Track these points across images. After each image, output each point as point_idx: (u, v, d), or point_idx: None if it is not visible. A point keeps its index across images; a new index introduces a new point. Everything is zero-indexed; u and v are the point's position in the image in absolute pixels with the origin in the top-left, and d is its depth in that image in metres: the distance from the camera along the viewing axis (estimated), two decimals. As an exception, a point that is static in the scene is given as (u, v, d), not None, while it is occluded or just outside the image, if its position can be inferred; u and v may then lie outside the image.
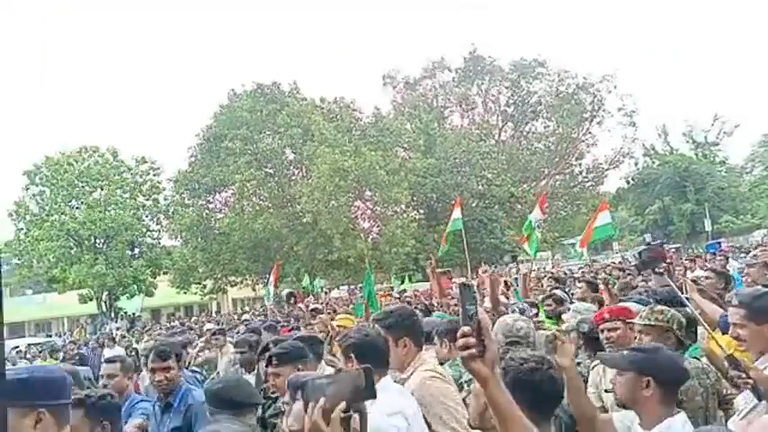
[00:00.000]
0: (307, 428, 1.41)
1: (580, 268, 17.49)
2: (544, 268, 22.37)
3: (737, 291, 4.61)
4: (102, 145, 32.68)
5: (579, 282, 7.33)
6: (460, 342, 1.39)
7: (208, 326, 13.13)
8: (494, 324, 3.14)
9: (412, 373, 2.76)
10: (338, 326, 6.17)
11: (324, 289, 33.73)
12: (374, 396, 1.48)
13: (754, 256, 6.52)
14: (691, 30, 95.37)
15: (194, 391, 3.47)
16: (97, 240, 31.97)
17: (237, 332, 8.66)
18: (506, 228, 30.40)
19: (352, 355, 2.52)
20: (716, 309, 3.65)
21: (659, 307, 3.23)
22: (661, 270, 4.09)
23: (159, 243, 33.43)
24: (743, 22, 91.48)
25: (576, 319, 4.14)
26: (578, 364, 3.64)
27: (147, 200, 32.79)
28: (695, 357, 3.34)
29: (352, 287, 30.98)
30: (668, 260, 4.64)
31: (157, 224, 33.24)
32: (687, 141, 46.10)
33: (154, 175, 32.88)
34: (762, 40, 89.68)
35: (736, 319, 2.58)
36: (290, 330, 7.50)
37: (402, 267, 29.65)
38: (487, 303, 5.02)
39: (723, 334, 3.26)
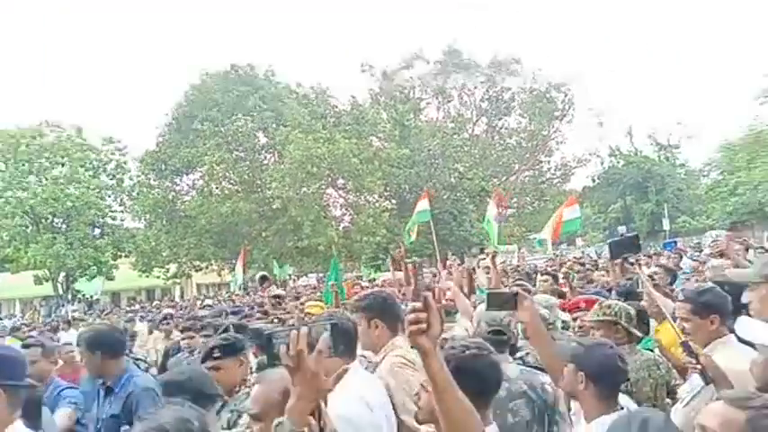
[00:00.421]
0: (292, 353, 1.46)
1: (545, 262, 17.92)
2: (510, 261, 22.74)
3: (684, 287, 4.87)
4: (66, 121, 31.56)
5: (542, 275, 7.60)
6: (411, 317, 1.46)
7: (165, 311, 12.85)
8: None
9: (384, 357, 2.77)
10: (307, 313, 6.13)
11: (292, 276, 33.55)
12: (337, 354, 1.58)
13: (711, 254, 6.82)
14: (660, 37, 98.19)
15: (137, 377, 3.27)
16: (56, 219, 30.85)
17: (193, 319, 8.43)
18: (476, 221, 30.77)
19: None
20: (668, 302, 3.79)
21: (608, 302, 3.32)
22: (632, 261, 4.20)
23: (122, 224, 32.49)
24: (707, 36, 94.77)
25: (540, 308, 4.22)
26: (527, 354, 3.78)
27: (112, 179, 31.79)
28: (648, 349, 3.49)
29: (321, 275, 30.86)
30: (638, 252, 4.81)
31: (121, 205, 32.29)
32: (651, 144, 47.69)
33: (120, 155, 31.90)
34: (722, 52, 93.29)
35: (682, 314, 2.73)
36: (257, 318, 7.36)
37: (372, 256, 29.65)
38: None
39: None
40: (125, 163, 31.99)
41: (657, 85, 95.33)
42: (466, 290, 6.11)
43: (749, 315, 2.54)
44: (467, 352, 1.97)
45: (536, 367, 3.14)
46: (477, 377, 1.88)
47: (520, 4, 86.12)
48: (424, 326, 1.45)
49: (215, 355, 3.01)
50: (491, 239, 10.13)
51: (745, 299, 2.54)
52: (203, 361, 3.07)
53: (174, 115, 28.87)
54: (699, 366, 2.32)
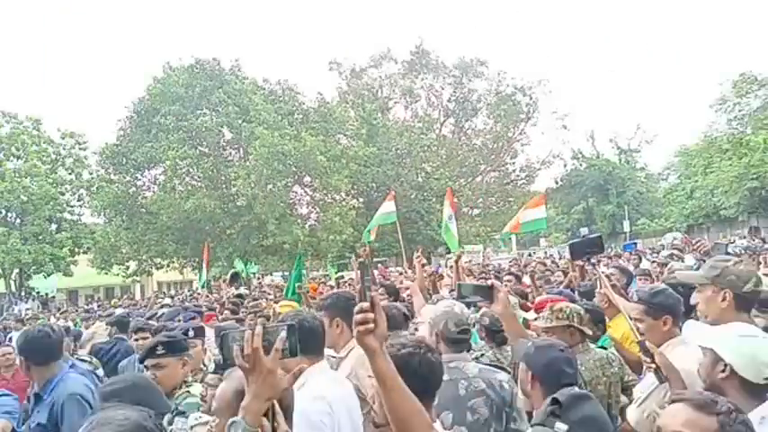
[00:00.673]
0: (247, 353, 1.46)
1: (509, 262, 18.20)
2: (477, 261, 23.02)
3: (638, 288, 5.01)
4: (23, 113, 30.43)
5: (507, 275, 7.73)
6: (359, 317, 1.49)
7: (119, 311, 12.46)
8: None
9: (348, 353, 2.81)
10: (279, 313, 6.08)
11: (257, 275, 33.09)
12: (295, 354, 1.54)
13: (670, 255, 7.03)
14: (621, 44, 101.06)
15: (65, 382, 3.06)
16: (9, 214, 29.71)
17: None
18: (443, 220, 30.98)
19: None
20: (626, 302, 3.87)
21: (558, 305, 3.37)
22: (594, 261, 4.28)
23: (80, 220, 31.48)
24: (667, 44, 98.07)
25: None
26: (482, 355, 3.87)
27: (70, 173, 30.78)
28: (602, 347, 3.57)
29: (287, 273, 30.54)
30: (601, 253, 4.92)
31: (79, 200, 31.29)
32: (612, 147, 49.04)
33: (80, 149, 30.91)
34: (680, 61, 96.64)
35: (636, 314, 2.79)
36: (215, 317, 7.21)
37: (339, 255, 29.52)
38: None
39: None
40: (85, 158, 31.02)
41: (619, 90, 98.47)
42: (430, 291, 6.19)
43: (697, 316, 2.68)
44: (403, 350, 1.99)
45: (494, 365, 3.23)
46: (416, 375, 1.89)
47: (486, 8, 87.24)
48: (371, 326, 1.47)
49: (158, 351, 2.92)
50: (451, 245, 10.03)
51: (693, 300, 2.61)
52: (145, 357, 2.97)
53: (136, 109, 28.06)
54: (654, 365, 2.35)
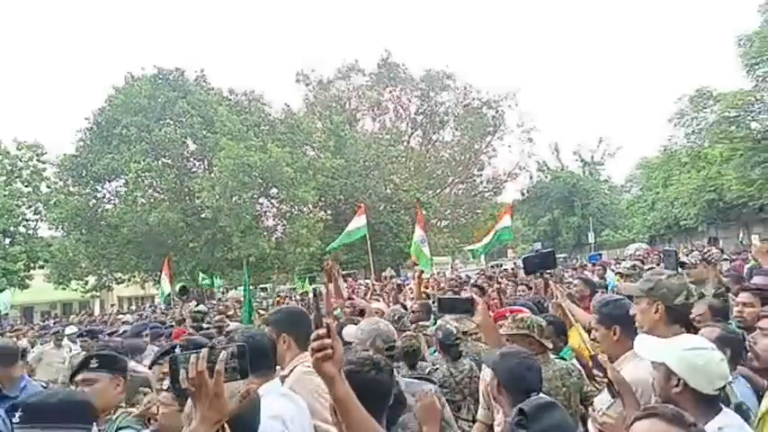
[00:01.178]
0: (191, 376, 1.45)
1: (476, 273, 18.26)
2: (444, 273, 23.01)
3: (595, 297, 5.05)
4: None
5: (472, 287, 7.79)
6: (315, 344, 1.50)
7: (69, 329, 11.89)
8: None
9: (291, 370, 2.78)
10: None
11: (221, 289, 32.35)
12: (245, 375, 1.54)
13: (633, 266, 7.11)
14: (585, 57, 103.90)
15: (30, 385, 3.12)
16: (-41, 227, 28.47)
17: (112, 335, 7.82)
18: (411, 232, 30.95)
19: None
20: (584, 312, 3.93)
21: (520, 315, 3.43)
22: (547, 276, 4.38)
23: (36, 233, 30.35)
24: (629, 57, 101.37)
25: (446, 324, 4.28)
26: (436, 369, 3.96)
27: (27, 186, 29.70)
28: (562, 358, 3.62)
29: (253, 287, 29.98)
30: (554, 268, 5.01)
31: (36, 213, 30.19)
32: (576, 159, 50.10)
33: (37, 160, 29.87)
34: (640, 76, 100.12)
35: (592, 323, 2.86)
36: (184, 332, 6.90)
37: (306, 268, 29.16)
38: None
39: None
40: (43, 170, 29.99)
41: (582, 103, 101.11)
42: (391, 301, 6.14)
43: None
44: (365, 367, 2.00)
45: (421, 377, 3.41)
46: (373, 391, 1.90)
47: (452, 20, 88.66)
48: (329, 352, 1.49)
49: (91, 365, 2.69)
50: (425, 266, 10.03)
51: (632, 311, 2.65)
52: (77, 372, 2.72)
53: (96, 119, 27.32)
54: (606, 379, 2.35)
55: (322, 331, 1.51)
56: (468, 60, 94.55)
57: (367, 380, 1.96)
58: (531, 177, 44.71)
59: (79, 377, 2.68)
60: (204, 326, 7.48)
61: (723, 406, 1.98)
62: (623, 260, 16.14)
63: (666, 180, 40.60)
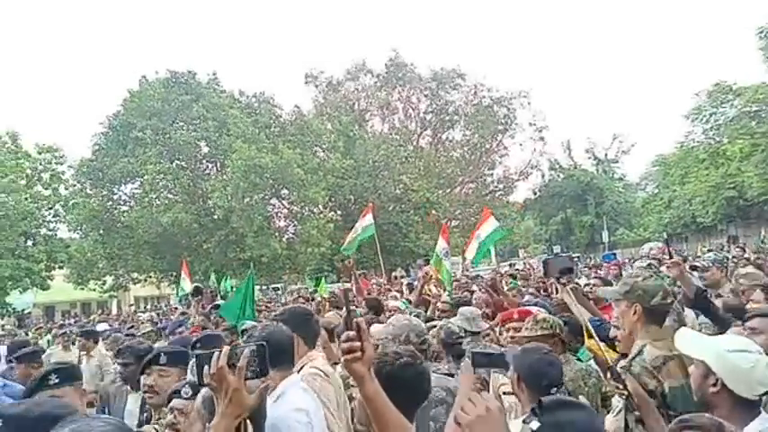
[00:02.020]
0: (212, 372, 1.51)
1: (487, 274, 18.20)
2: (455, 273, 22.93)
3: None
4: (1, 127, 30.11)
5: (482, 290, 7.81)
6: (345, 346, 1.51)
7: (100, 326, 12.29)
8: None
9: (299, 370, 2.83)
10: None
11: (233, 289, 32.74)
12: (265, 373, 1.59)
13: (649, 265, 7.03)
14: (599, 53, 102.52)
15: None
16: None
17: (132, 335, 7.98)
18: (421, 232, 31.02)
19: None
20: (585, 310, 3.93)
21: (541, 316, 3.40)
22: (565, 281, 4.28)
23: (56, 235, 31.11)
24: (644, 52, 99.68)
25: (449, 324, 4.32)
26: (436, 370, 3.87)
27: (47, 189, 30.45)
28: (578, 359, 3.61)
29: (265, 287, 30.34)
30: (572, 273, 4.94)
31: (55, 216, 30.94)
32: (589, 157, 49.42)
33: (56, 163, 30.60)
34: (656, 68, 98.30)
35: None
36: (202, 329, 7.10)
37: (317, 268, 29.41)
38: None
39: (600, 338, 3.51)
40: (62, 173, 30.73)
41: (595, 100, 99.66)
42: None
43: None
44: (400, 361, 1.99)
45: (446, 374, 3.31)
46: (408, 386, 1.90)
47: (461, 19, 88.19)
48: (358, 354, 1.50)
49: (51, 381, 2.58)
50: (446, 280, 9.75)
51: (615, 313, 2.73)
52: (35, 390, 2.57)
53: (111, 123, 27.91)
54: (626, 392, 2.34)
55: (352, 333, 1.51)
56: (479, 59, 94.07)
57: (401, 374, 1.96)
58: (543, 176, 44.37)
59: (43, 393, 2.53)
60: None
61: (763, 410, 1.89)
62: (638, 259, 15.97)
63: (683, 177, 39.91)
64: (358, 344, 1.50)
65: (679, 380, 2.38)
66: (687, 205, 39.56)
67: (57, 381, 2.56)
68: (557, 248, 39.28)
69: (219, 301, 11.01)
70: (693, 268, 5.47)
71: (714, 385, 1.87)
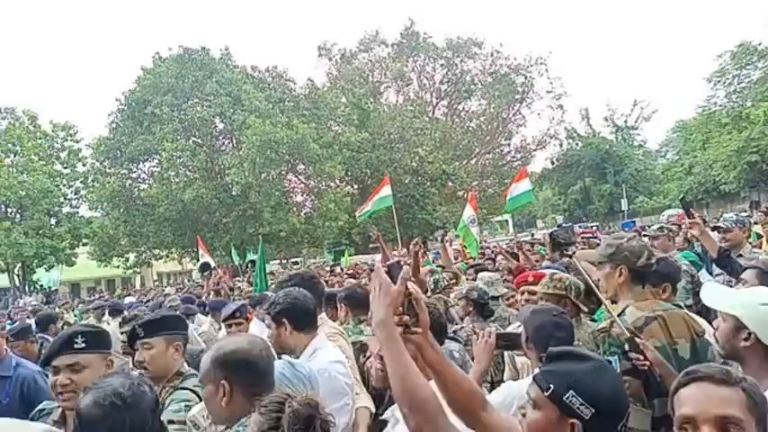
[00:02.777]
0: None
1: (506, 244, 18.25)
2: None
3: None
4: (19, 107, 30.51)
5: (501, 254, 7.96)
6: (398, 320, 1.49)
7: (128, 299, 12.59)
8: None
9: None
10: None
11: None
12: None
13: (660, 228, 6.99)
14: (616, 18, 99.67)
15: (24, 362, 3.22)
16: (9, 209, 29.93)
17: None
18: (438, 204, 30.98)
19: (284, 320, 2.60)
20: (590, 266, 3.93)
21: (558, 275, 3.37)
22: (570, 253, 4.27)
23: (78, 213, 31.70)
24: (664, 15, 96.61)
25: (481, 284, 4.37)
26: (461, 328, 3.97)
27: (65, 167, 30.91)
28: (592, 320, 3.55)
29: (284, 261, 30.71)
30: (577, 244, 4.91)
31: (75, 193, 31.46)
32: (608, 125, 48.49)
33: (73, 141, 30.98)
34: (678, 31, 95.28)
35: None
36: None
37: (335, 242, 29.64)
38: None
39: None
40: (79, 150, 31.13)
41: (614, 65, 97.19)
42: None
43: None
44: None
45: (449, 338, 3.37)
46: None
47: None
48: (416, 329, 1.49)
49: (77, 344, 2.30)
50: (472, 249, 9.80)
51: (595, 276, 2.71)
52: (55, 354, 2.32)
53: (128, 101, 28.06)
54: (647, 363, 2.32)
55: (405, 318, 1.48)
56: (495, 26, 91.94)
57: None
58: (561, 145, 43.71)
59: (60, 361, 2.26)
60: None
61: None
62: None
63: (705, 143, 38.99)
64: (407, 318, 1.48)
65: (661, 340, 2.39)
66: (708, 171, 38.74)
67: (83, 345, 2.27)
68: (559, 219, 38.91)
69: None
70: (715, 229, 5.40)
71: (746, 339, 1.84)
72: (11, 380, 3.08)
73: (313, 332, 2.64)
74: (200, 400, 2.20)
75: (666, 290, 3.02)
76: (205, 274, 9.54)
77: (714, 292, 2.10)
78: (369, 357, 3.05)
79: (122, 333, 3.22)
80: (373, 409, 2.74)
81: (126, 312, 6.61)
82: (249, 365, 1.87)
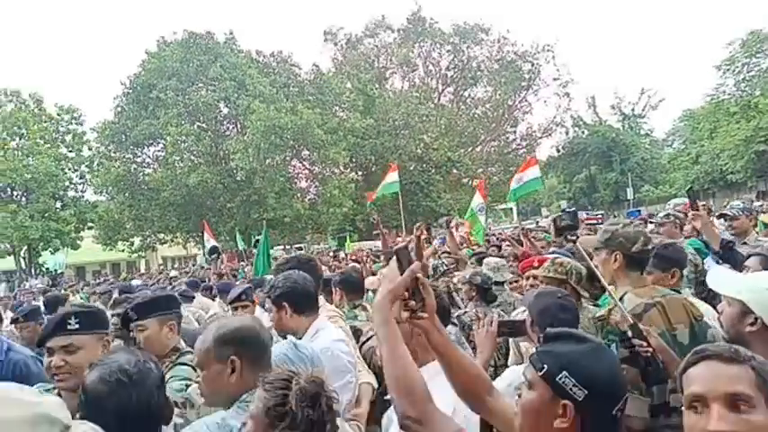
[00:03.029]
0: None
1: (511, 231, 18.24)
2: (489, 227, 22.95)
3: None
4: (25, 90, 30.52)
5: (506, 240, 8.00)
6: (405, 305, 1.50)
7: (135, 281, 12.65)
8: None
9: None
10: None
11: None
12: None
13: (667, 215, 6.96)
14: (624, 5, 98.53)
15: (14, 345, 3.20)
16: (15, 192, 30.08)
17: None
18: (442, 191, 30.93)
19: (285, 303, 2.61)
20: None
21: (560, 259, 3.34)
22: (573, 237, 4.25)
23: (83, 196, 31.84)
24: (673, 3, 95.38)
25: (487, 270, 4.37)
26: (464, 313, 3.97)
27: (70, 151, 30.99)
28: (595, 305, 3.52)
29: (288, 247, 30.80)
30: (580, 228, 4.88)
31: (81, 177, 31.57)
32: (615, 113, 48.17)
33: (77, 124, 31.02)
34: (687, 19, 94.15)
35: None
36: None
37: (339, 228, 29.66)
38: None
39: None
40: (84, 134, 31.17)
41: (622, 54, 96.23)
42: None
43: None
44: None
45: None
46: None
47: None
48: (416, 313, 1.50)
49: (70, 325, 2.20)
50: (478, 237, 9.81)
51: (594, 262, 2.68)
52: (49, 336, 2.23)
53: (132, 85, 28.01)
54: (650, 350, 2.27)
55: (412, 303, 1.49)
56: (502, 11, 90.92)
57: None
58: (567, 133, 43.48)
59: (54, 342, 2.18)
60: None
61: None
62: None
63: (712, 132, 38.72)
64: (413, 303, 1.49)
65: (660, 327, 2.36)
66: (715, 160, 38.51)
67: (76, 326, 2.17)
68: (563, 204, 38.66)
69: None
70: (722, 216, 5.36)
71: (752, 324, 1.83)
72: (2, 364, 3.05)
73: (314, 315, 2.65)
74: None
75: (675, 275, 3.07)
76: (213, 257, 9.68)
77: (720, 276, 2.09)
78: (369, 339, 3.07)
79: (113, 316, 3.10)
80: (375, 385, 2.76)
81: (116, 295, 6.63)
82: (256, 340, 1.90)
